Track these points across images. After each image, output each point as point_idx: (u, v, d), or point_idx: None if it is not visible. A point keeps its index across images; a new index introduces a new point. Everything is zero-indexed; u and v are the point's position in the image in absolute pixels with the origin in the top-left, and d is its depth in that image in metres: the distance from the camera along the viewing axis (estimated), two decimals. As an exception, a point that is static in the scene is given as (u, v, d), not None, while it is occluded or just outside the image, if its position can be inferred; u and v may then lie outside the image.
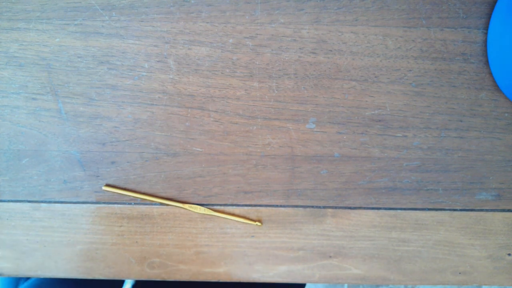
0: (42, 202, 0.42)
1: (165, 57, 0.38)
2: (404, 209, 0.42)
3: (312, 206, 0.42)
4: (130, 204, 0.42)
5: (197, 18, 0.37)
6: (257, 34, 0.37)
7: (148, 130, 0.40)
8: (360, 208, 0.42)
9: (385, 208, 0.42)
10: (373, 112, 0.39)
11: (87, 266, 0.44)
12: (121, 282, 0.54)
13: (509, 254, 0.43)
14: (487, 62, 0.38)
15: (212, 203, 0.42)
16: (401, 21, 0.37)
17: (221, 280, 0.44)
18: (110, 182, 0.41)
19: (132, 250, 0.43)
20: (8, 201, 0.42)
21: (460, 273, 0.43)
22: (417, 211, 0.42)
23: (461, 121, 0.39)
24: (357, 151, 0.40)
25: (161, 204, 0.42)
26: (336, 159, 0.40)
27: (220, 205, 0.42)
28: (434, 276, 0.43)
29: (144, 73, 0.38)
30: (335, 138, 0.40)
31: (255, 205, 0.42)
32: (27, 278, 0.56)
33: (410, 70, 0.38)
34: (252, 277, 0.44)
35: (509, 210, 0.41)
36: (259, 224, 0.42)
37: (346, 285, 1.09)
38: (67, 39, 0.38)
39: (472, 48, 0.37)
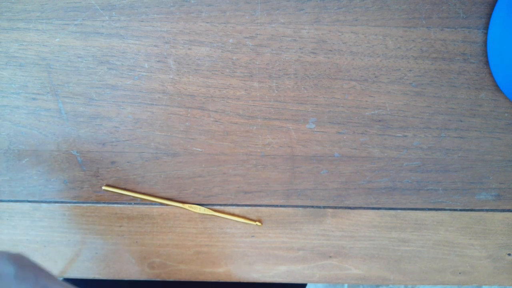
0: (42, 202, 0.42)
1: (165, 57, 0.38)
2: (404, 209, 0.42)
3: (312, 206, 0.42)
4: (130, 204, 0.42)
5: (197, 18, 0.37)
6: (257, 34, 0.37)
7: (148, 130, 0.40)
8: (360, 208, 0.42)
9: (385, 208, 0.42)
10: (373, 112, 0.39)
11: (87, 266, 0.44)
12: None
13: (509, 254, 0.43)
14: (487, 62, 0.38)
15: (212, 203, 0.42)
16: (401, 21, 0.37)
17: (221, 280, 0.44)
18: (110, 182, 0.41)
19: (132, 250, 0.43)
20: (8, 201, 0.42)
21: (460, 273, 0.43)
22: (417, 211, 0.42)
23: (461, 121, 0.39)
24: (357, 151, 0.40)
25: (161, 204, 0.42)
26: (336, 159, 0.40)
27: (220, 205, 0.42)
28: (434, 276, 0.43)
29: (144, 73, 0.38)
30: (335, 138, 0.40)
31: (255, 205, 0.42)
32: None
33: (410, 70, 0.38)
34: (252, 277, 0.44)
35: (509, 210, 0.41)
36: (259, 224, 0.42)
37: (346, 285, 1.09)
38: (67, 39, 0.38)
39: (472, 48, 0.37)
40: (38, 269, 0.31)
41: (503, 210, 0.41)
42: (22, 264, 0.30)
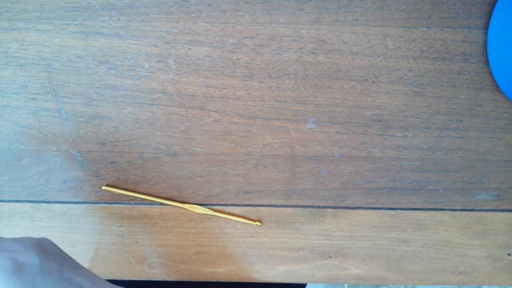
0: (42, 202, 0.42)
1: (165, 57, 0.38)
2: (404, 209, 0.42)
3: (312, 206, 0.42)
4: (130, 204, 0.42)
5: (197, 18, 0.37)
6: (257, 34, 0.37)
7: (148, 130, 0.40)
8: (360, 208, 0.42)
9: (385, 208, 0.42)
10: (373, 112, 0.39)
11: (87, 266, 0.44)
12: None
13: (509, 254, 0.43)
14: (487, 62, 0.38)
15: (212, 203, 0.42)
16: (401, 21, 0.37)
17: (221, 280, 0.44)
18: (110, 182, 0.41)
19: (132, 250, 0.43)
20: (8, 201, 0.42)
21: (460, 273, 0.43)
22: (417, 211, 0.42)
23: (461, 121, 0.39)
24: (357, 151, 0.40)
25: (161, 204, 0.42)
26: (336, 159, 0.40)
27: (220, 205, 0.42)
28: (434, 276, 0.43)
29: (144, 73, 0.38)
30: (335, 138, 0.40)
31: (255, 205, 0.42)
32: None
33: (410, 70, 0.38)
34: (252, 277, 0.44)
35: (509, 210, 0.41)
36: (259, 224, 0.42)
37: (346, 285, 1.09)
38: (67, 39, 0.38)
39: (472, 48, 0.37)
40: (63, 258, 0.30)
41: (503, 210, 0.41)
42: (47, 253, 0.29)
